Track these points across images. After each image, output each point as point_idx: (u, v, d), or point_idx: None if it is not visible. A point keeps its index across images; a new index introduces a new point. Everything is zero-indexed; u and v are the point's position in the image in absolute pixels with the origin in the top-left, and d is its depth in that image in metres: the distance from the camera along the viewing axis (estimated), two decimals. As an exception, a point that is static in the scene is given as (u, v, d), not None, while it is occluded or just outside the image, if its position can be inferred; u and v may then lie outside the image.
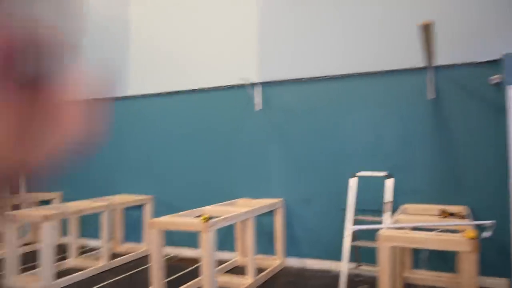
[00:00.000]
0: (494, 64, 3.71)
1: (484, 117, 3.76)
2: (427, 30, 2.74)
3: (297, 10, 4.54)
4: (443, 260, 3.83)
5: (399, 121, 4.07)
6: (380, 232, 2.54)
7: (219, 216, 3.42)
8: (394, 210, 3.90)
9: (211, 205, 4.17)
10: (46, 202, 5.72)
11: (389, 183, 3.58)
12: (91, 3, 5.89)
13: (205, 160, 5.00)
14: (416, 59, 3.97)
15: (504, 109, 3.61)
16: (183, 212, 3.76)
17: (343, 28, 4.33)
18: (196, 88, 5.07)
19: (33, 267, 4.30)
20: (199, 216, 3.91)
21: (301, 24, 4.53)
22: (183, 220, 3.34)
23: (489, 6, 3.75)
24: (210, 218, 3.22)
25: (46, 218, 3.77)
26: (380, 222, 3.49)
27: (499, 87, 3.68)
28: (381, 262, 2.53)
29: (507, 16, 3.68)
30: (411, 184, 3.98)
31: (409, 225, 2.78)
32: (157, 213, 5.23)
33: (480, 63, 3.76)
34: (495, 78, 3.67)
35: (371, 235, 3.80)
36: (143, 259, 4.80)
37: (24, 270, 4.18)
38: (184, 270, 4.41)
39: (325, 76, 4.39)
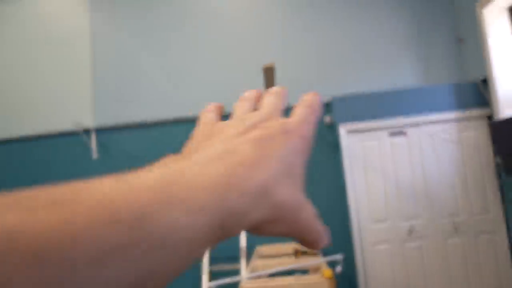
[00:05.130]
0: (326, 106, 4.05)
1: (323, 154, 4.02)
2: (268, 72, 2.78)
3: (137, 47, 4.26)
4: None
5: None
6: (241, 285, 2.34)
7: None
8: (250, 253, 3.79)
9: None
10: None
11: (243, 227, 3.46)
12: None
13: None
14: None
15: (338, 146, 3.94)
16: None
17: (188, 68, 4.21)
18: (16, 135, 4.22)
19: None
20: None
21: (142, 63, 4.24)
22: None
23: (320, 55, 4.14)
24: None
25: None
26: (238, 271, 3.31)
27: (332, 126, 4.02)
28: (244, 319, 2.31)
29: (335, 63, 4.11)
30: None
31: (267, 272, 2.66)
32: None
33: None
34: (328, 119, 4.00)
35: (232, 284, 3.58)
36: None
37: None
38: None
39: (171, 119, 4.15)
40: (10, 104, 4.29)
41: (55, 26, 4.37)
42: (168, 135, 4.14)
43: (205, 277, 3.32)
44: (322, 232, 0.29)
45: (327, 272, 2.32)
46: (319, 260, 2.75)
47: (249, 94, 0.34)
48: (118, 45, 4.27)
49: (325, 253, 3.83)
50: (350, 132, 3.86)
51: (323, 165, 4.00)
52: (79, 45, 4.31)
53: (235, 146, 0.25)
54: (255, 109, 0.33)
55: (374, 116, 3.84)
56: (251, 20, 4.22)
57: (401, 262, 3.72)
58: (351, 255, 3.79)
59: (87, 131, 4.15)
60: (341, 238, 3.88)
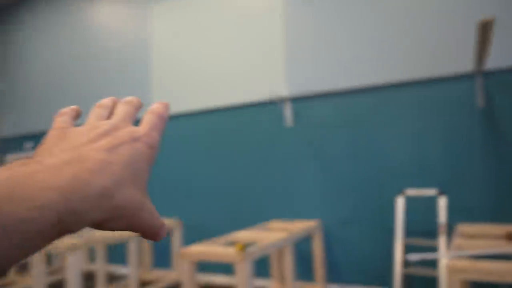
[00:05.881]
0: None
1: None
2: (485, 29, 2.43)
3: (327, 17, 4.29)
4: None
5: (446, 133, 3.72)
6: (446, 262, 2.19)
7: (254, 243, 3.13)
8: (448, 231, 3.52)
9: (244, 230, 3.89)
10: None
11: (442, 202, 3.22)
12: (112, 24, 5.82)
13: (235, 181, 4.75)
14: (462, 64, 3.63)
15: None
16: (214, 239, 3.49)
17: (379, 33, 4.04)
18: (223, 106, 4.85)
19: (60, 299, 4.10)
20: (232, 244, 3.64)
21: (332, 32, 4.26)
22: (217, 250, 3.06)
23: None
24: (245, 246, 2.93)
25: (73, 248, 3.57)
26: (435, 248, 3.13)
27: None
28: (448, 298, 2.18)
29: None
30: (464, 201, 3.59)
31: (474, 253, 2.42)
32: (186, 237, 4.98)
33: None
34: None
35: (423, 261, 3.42)
36: (173, 288, 4.55)
37: (51, 302, 3.98)
38: (217, 300, 4.12)
39: (361, 87, 4.09)
40: (213, 79, 4.92)
41: (251, 2, 4.74)
42: (359, 103, 4.10)
43: (398, 249, 3.25)
44: (160, 227, 0.32)
45: (558, 263, 1.97)
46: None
47: (105, 101, 0.35)
48: (308, 17, 4.38)
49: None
50: None
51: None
52: (272, 19, 4.58)
53: (84, 154, 0.27)
54: (109, 115, 0.34)
55: None
56: (456, -29, 3.72)
57: None
58: None
59: (281, 101, 4.45)
60: None
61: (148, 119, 0.34)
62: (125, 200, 0.28)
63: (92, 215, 0.26)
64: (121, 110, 0.34)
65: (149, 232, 0.31)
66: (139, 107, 0.36)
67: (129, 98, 0.36)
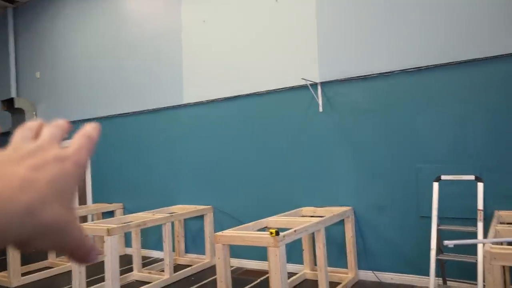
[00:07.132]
0: None
1: None
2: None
3: (359, 1, 4.20)
4: (547, 275, 3.31)
5: (487, 116, 3.60)
6: (486, 248, 2.16)
7: (286, 229, 3.16)
8: (485, 218, 3.44)
9: (275, 216, 3.92)
10: (109, 213, 5.79)
11: (480, 188, 3.14)
12: (145, 12, 5.90)
13: (266, 167, 4.77)
14: (506, 44, 3.49)
15: None
16: (247, 225, 3.54)
17: (415, 13, 3.93)
18: (254, 92, 4.86)
19: (100, 280, 4.27)
20: (264, 229, 3.68)
21: (363, 15, 4.18)
22: (250, 235, 3.12)
23: None
24: (278, 231, 2.97)
25: (111, 232, 3.71)
26: (472, 234, 3.07)
27: None
28: (488, 282, 2.15)
29: None
30: (504, 187, 3.49)
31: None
32: (217, 223, 5.07)
33: None
34: None
35: (458, 247, 3.36)
36: (207, 271, 4.65)
37: (91, 283, 4.16)
38: (251, 283, 4.19)
39: (396, 70, 4.00)
40: (244, 65, 4.92)
41: (284, -11, 4.69)
42: (392, 87, 4.02)
43: (434, 234, 3.21)
44: (89, 249, 0.31)
45: None
46: None
47: (31, 124, 0.35)
48: (340, 1, 4.30)
49: None
50: None
51: None
52: (304, 3, 4.53)
53: (6, 172, 0.27)
54: (36, 137, 0.33)
55: None
56: None
57: None
58: None
59: (313, 85, 4.41)
60: None
61: (76, 140, 0.34)
62: (51, 218, 0.28)
63: (16, 232, 0.26)
64: (47, 132, 0.34)
65: (79, 252, 0.31)
66: (66, 130, 0.36)
67: (57, 121, 0.36)
